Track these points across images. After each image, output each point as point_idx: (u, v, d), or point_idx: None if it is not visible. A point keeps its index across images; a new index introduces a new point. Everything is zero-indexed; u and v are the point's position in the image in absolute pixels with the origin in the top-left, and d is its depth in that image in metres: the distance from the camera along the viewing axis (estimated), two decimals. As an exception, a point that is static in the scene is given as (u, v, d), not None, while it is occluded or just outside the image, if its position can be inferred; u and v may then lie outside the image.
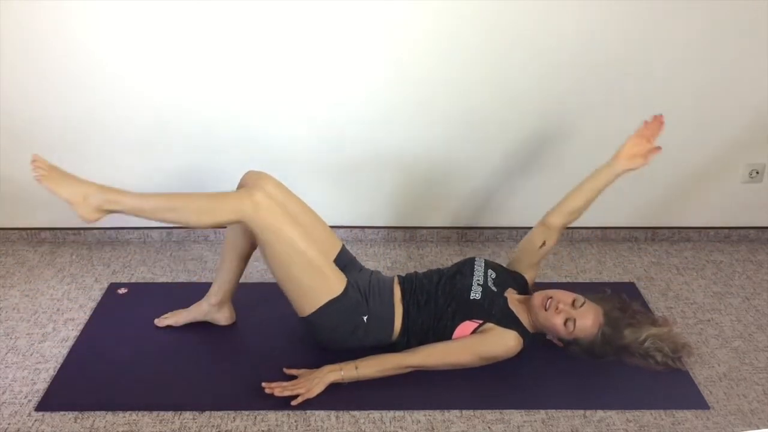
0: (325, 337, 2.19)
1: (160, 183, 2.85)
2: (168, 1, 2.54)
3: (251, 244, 2.28)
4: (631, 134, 2.28)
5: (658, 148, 2.25)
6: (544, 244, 2.35)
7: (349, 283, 2.17)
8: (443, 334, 2.18)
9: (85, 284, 2.69)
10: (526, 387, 2.18)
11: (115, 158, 2.81)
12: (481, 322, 2.16)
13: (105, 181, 2.84)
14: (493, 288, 2.25)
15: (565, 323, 2.15)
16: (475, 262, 2.33)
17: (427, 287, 2.25)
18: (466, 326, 2.16)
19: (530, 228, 2.99)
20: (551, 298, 2.19)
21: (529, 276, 2.40)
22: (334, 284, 2.14)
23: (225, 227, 2.19)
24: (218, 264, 2.39)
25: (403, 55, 2.66)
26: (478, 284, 2.23)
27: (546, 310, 2.17)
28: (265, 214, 2.04)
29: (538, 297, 2.21)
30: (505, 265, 2.43)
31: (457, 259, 2.72)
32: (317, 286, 2.12)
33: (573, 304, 2.18)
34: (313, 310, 2.13)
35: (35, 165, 2.04)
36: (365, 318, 2.17)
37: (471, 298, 2.19)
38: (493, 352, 2.15)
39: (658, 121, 2.25)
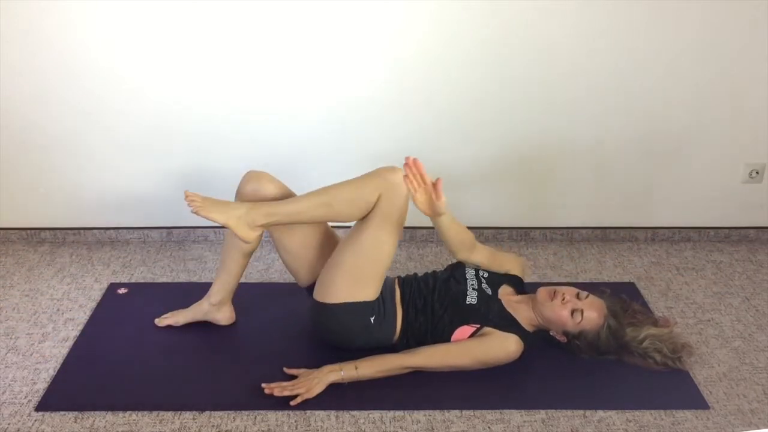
0: (333, 329, 2.19)
1: (160, 183, 2.85)
2: (168, 1, 2.54)
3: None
4: None
5: (435, 182, 2.03)
6: (480, 265, 2.33)
7: (381, 294, 2.19)
8: (441, 337, 2.18)
9: (85, 284, 2.69)
10: (526, 387, 2.18)
11: (116, 158, 2.81)
12: (478, 326, 2.16)
13: (103, 181, 2.86)
14: (488, 291, 2.25)
15: (572, 314, 2.16)
16: (466, 266, 2.33)
17: (424, 292, 2.25)
18: (464, 330, 2.17)
19: (528, 228, 3.02)
20: (556, 291, 2.20)
21: (515, 269, 2.38)
22: (372, 291, 2.16)
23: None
24: (219, 264, 2.39)
25: (402, 56, 2.66)
26: (473, 288, 2.24)
27: (552, 300, 2.18)
28: (402, 195, 2.09)
29: (542, 291, 2.22)
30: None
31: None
32: (366, 284, 2.14)
33: (578, 296, 2.20)
34: (343, 301, 2.13)
35: (189, 199, 2.09)
36: (372, 319, 2.17)
37: (467, 303, 2.20)
38: (493, 356, 2.15)
39: (412, 165, 2.03)
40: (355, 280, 2.13)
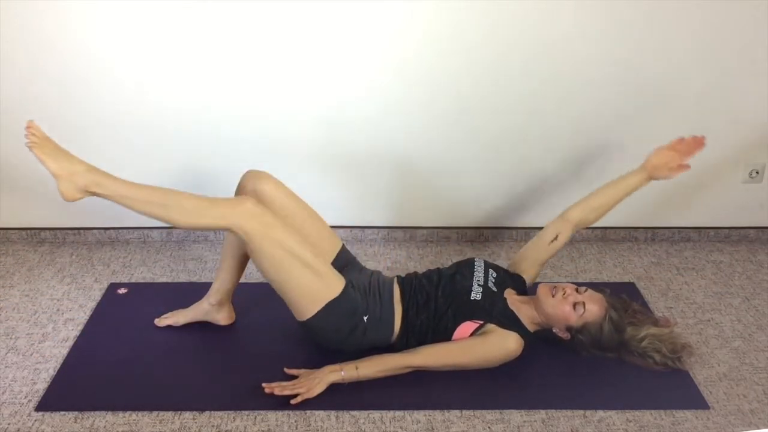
0: (326, 338, 2.19)
1: (160, 183, 2.83)
2: (169, 1, 2.54)
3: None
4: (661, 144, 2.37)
5: (687, 166, 2.33)
6: (555, 238, 2.37)
7: (347, 283, 2.17)
8: (443, 334, 2.18)
9: (85, 284, 2.69)
10: (526, 387, 2.18)
11: (116, 158, 2.80)
12: (481, 322, 2.16)
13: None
14: (494, 288, 2.25)
15: (574, 307, 2.16)
16: (475, 263, 2.33)
17: (427, 288, 2.25)
18: (467, 327, 2.16)
19: (528, 228, 3.02)
20: (556, 287, 2.21)
21: (530, 275, 2.40)
22: (333, 285, 2.14)
23: (211, 231, 2.15)
24: (219, 264, 2.39)
25: (403, 55, 2.66)
26: (479, 285, 2.23)
27: (553, 297, 2.18)
28: (254, 223, 2.01)
29: (543, 288, 2.23)
30: (506, 266, 2.44)
31: (457, 259, 2.72)
32: (315, 288, 2.12)
33: (577, 290, 2.21)
34: (313, 313, 2.13)
35: (29, 131, 1.98)
36: (365, 318, 2.17)
37: (472, 298, 2.19)
38: (494, 355, 2.15)
39: (696, 141, 2.33)
40: (303, 292, 2.11)
